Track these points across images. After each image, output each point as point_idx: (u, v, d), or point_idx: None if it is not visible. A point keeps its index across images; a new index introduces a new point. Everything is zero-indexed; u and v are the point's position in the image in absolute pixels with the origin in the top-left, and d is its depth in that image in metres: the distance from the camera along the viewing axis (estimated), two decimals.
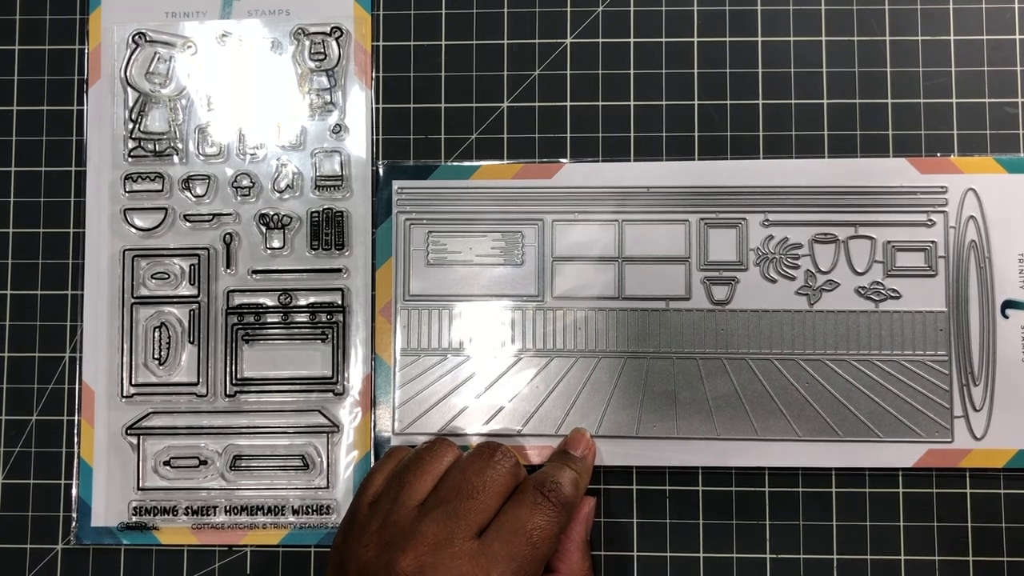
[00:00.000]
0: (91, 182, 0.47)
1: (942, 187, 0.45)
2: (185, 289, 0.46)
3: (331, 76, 0.47)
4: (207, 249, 0.46)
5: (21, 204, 0.47)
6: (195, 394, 0.46)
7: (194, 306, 0.46)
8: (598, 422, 0.45)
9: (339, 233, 0.46)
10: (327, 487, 0.45)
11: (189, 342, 0.46)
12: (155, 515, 0.46)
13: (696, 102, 0.46)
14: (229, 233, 0.46)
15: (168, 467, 0.46)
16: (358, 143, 0.47)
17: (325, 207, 0.46)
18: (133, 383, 0.46)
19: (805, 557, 0.44)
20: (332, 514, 0.45)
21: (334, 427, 0.46)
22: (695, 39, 0.47)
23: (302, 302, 0.46)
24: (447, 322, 0.46)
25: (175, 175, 0.47)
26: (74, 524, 0.46)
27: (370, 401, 0.46)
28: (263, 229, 0.46)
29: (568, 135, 0.47)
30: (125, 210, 0.47)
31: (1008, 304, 0.44)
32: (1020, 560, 0.44)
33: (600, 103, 0.47)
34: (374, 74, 0.47)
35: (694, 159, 0.46)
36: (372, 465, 0.44)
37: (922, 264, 0.45)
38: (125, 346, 0.46)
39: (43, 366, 0.47)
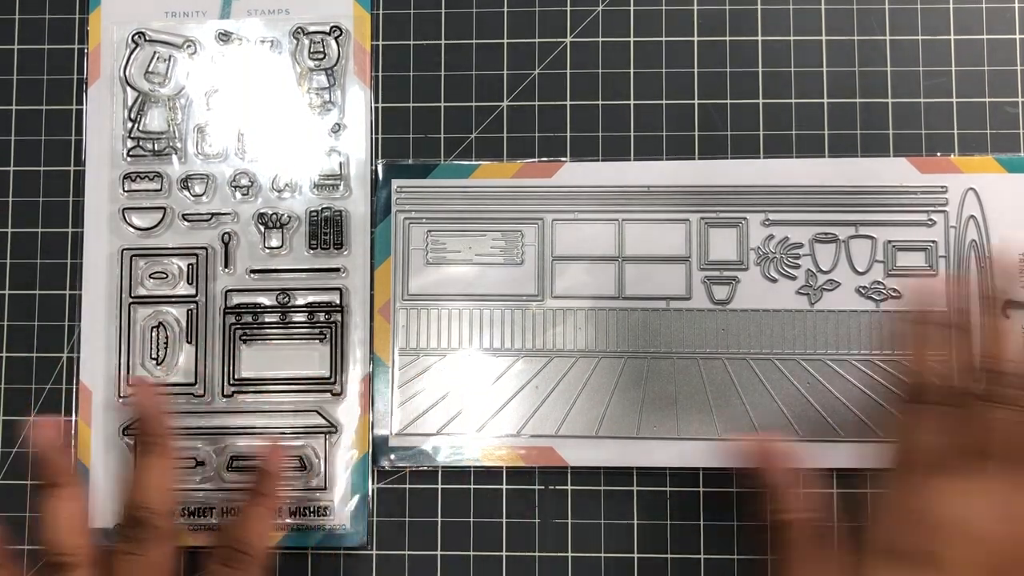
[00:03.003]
0: (90, 181, 0.47)
1: (942, 187, 0.45)
2: (183, 289, 0.46)
3: (330, 75, 0.47)
4: (205, 248, 0.46)
5: (20, 204, 0.47)
6: (192, 394, 0.46)
7: (192, 306, 0.46)
8: (598, 422, 0.45)
9: (338, 232, 0.46)
10: (325, 488, 0.45)
11: (187, 342, 0.46)
12: None
13: (696, 102, 0.46)
14: (227, 232, 0.46)
15: None
16: (357, 142, 0.47)
17: (324, 206, 0.46)
18: (130, 383, 0.46)
19: None
20: (330, 516, 0.45)
21: (332, 428, 0.45)
22: (695, 39, 0.47)
23: (300, 302, 0.46)
24: (446, 322, 0.46)
25: (174, 174, 0.47)
26: None
27: (368, 401, 0.45)
28: (262, 228, 0.46)
29: (568, 134, 0.46)
30: (124, 209, 0.46)
31: (1008, 304, 0.44)
32: None
33: (600, 103, 0.47)
34: (373, 73, 0.47)
35: (694, 159, 0.46)
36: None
37: (923, 264, 0.45)
38: (123, 346, 0.46)
39: (41, 366, 0.47)
